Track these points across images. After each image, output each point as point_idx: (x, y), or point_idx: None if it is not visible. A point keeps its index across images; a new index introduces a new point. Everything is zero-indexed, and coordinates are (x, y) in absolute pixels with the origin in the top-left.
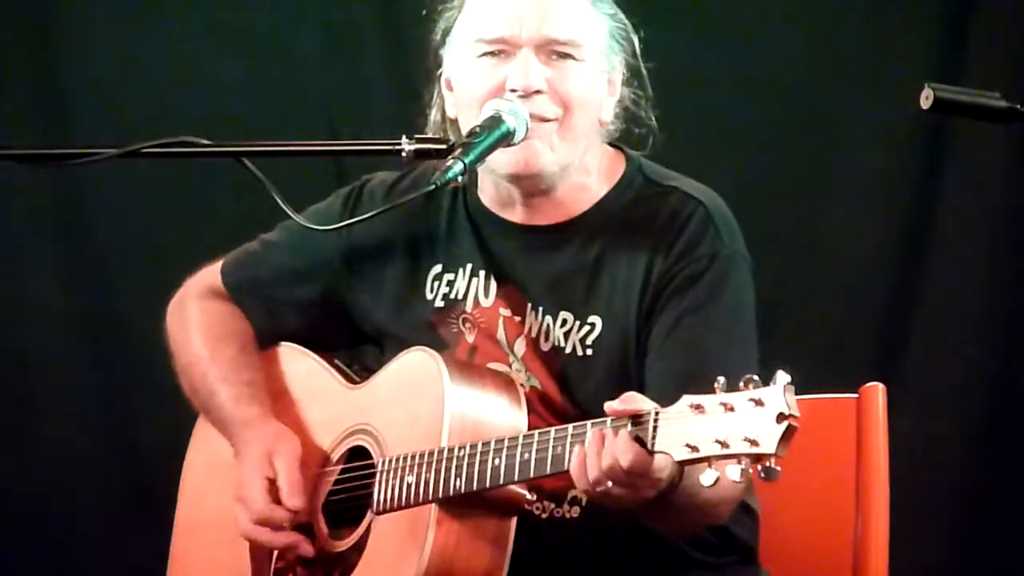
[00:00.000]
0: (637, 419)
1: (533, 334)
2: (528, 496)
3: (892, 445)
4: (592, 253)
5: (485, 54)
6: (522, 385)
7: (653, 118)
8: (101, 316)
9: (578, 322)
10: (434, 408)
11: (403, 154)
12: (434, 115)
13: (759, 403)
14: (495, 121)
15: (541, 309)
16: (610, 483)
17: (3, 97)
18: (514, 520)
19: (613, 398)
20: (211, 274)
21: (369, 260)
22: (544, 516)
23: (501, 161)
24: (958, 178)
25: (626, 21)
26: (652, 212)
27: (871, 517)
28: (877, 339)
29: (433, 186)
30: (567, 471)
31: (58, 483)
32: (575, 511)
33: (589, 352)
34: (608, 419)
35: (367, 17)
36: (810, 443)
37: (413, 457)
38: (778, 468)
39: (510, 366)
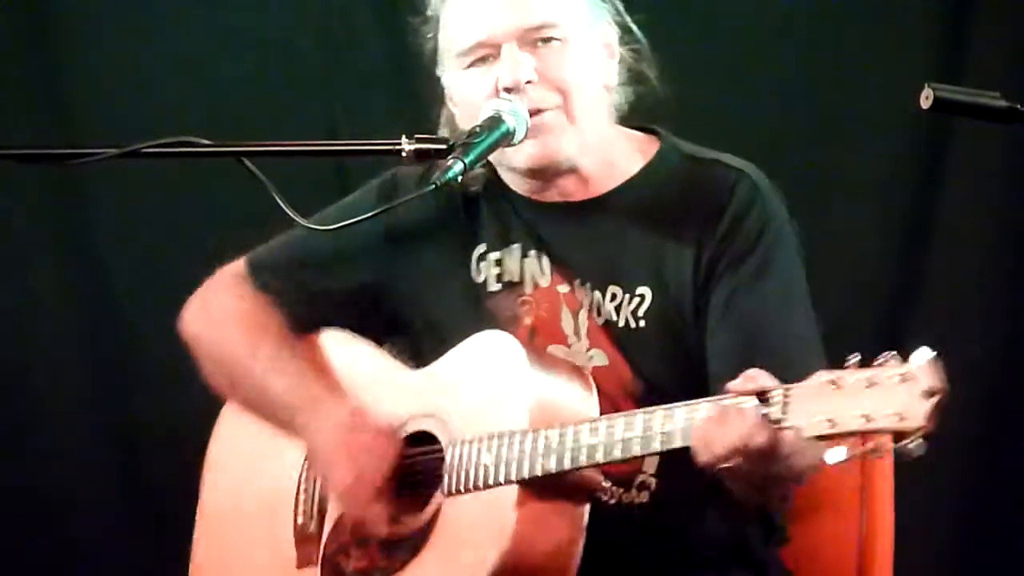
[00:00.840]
0: (763, 396)
1: (588, 308)
2: (603, 481)
3: None
4: (635, 226)
5: (472, 63)
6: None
7: (653, 73)
8: (101, 316)
9: (627, 295)
10: (514, 390)
11: (403, 154)
12: (444, 132)
13: (907, 378)
14: (495, 121)
15: (589, 284)
16: (738, 459)
17: (3, 97)
18: (588, 505)
19: (673, 369)
20: (235, 267)
21: (412, 244)
22: (612, 501)
23: (521, 158)
24: (958, 178)
25: None
26: (694, 184)
27: (876, 517)
28: (877, 339)
29: (433, 186)
30: (667, 451)
31: (58, 483)
32: (644, 495)
33: (642, 324)
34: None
35: (367, 17)
36: None
37: (491, 438)
38: (923, 441)
39: (569, 347)
